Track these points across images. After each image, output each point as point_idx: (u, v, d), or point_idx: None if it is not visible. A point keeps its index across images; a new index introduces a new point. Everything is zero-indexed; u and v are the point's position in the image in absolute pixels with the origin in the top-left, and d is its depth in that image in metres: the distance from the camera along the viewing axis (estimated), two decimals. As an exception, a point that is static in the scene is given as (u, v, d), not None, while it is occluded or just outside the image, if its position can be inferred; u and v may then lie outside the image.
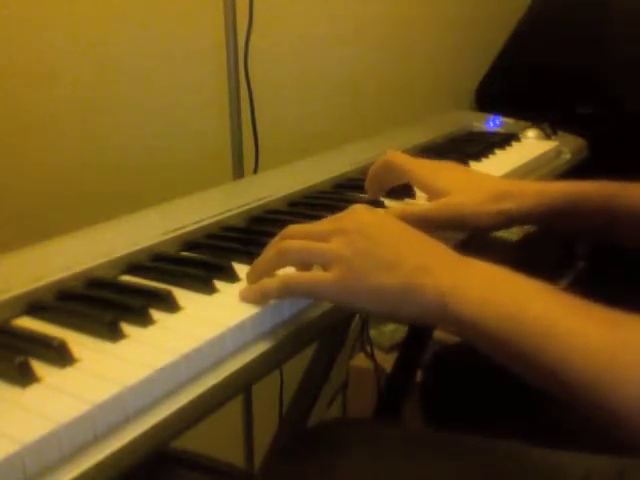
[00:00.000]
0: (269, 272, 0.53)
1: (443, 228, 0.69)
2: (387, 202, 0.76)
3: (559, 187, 0.71)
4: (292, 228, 0.55)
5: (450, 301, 0.47)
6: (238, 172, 1.23)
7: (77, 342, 0.45)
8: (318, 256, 0.51)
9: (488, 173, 0.81)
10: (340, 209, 0.56)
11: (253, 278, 0.54)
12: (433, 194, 0.70)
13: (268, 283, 0.52)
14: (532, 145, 1.08)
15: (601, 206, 0.70)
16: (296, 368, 1.06)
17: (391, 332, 1.71)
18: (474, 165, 0.92)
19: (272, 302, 0.52)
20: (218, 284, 0.55)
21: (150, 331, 0.48)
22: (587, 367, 0.41)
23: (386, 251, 0.50)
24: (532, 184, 0.74)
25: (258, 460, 1.36)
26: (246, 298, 0.52)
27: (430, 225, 0.67)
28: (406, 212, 0.67)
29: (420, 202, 0.77)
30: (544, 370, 0.44)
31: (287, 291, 0.51)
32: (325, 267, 0.51)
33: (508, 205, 0.68)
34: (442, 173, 0.71)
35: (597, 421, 0.42)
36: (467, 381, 0.88)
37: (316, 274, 0.51)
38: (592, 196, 0.70)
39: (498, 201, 0.68)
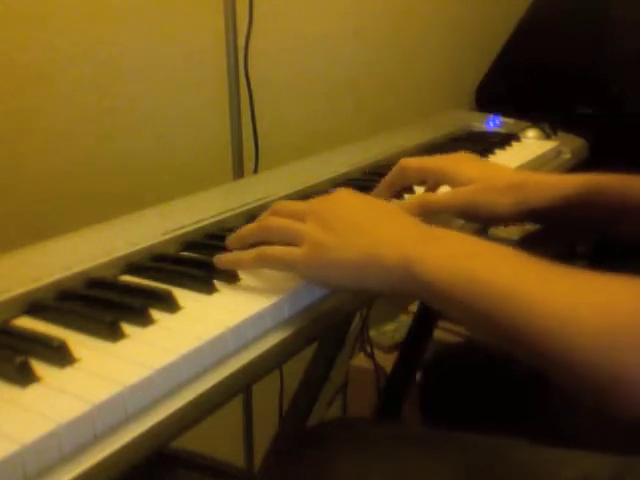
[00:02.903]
0: (248, 242, 0.58)
1: (459, 217, 0.70)
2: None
3: (578, 179, 0.70)
4: (279, 204, 0.59)
5: (413, 268, 0.49)
6: (238, 172, 1.23)
7: (77, 342, 0.45)
8: (292, 234, 0.55)
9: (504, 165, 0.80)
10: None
11: (233, 244, 0.59)
12: (457, 186, 0.70)
13: (244, 254, 0.56)
14: (532, 145, 1.08)
15: (615, 198, 0.70)
16: (296, 368, 1.06)
17: (391, 332, 1.71)
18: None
19: (272, 302, 0.52)
20: (218, 284, 0.55)
21: (150, 331, 0.48)
22: (545, 325, 0.43)
23: (353, 228, 0.53)
24: (551, 176, 0.73)
25: (258, 460, 1.36)
26: (221, 262, 0.56)
27: (446, 213, 0.69)
28: (424, 202, 0.68)
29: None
30: (505, 331, 0.45)
31: (260, 262, 0.55)
32: (298, 244, 0.54)
33: (527, 196, 0.68)
34: (462, 165, 0.71)
35: (557, 379, 0.44)
36: (467, 381, 0.88)
37: (288, 249, 0.54)
38: (607, 188, 0.70)
39: (516, 191, 0.68)
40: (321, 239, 0.52)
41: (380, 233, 0.52)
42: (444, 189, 0.73)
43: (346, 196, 0.57)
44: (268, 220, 0.57)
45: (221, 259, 0.56)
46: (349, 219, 0.53)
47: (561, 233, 0.80)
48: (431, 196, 0.72)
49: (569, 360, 0.42)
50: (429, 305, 0.51)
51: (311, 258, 0.52)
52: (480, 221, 0.73)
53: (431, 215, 0.68)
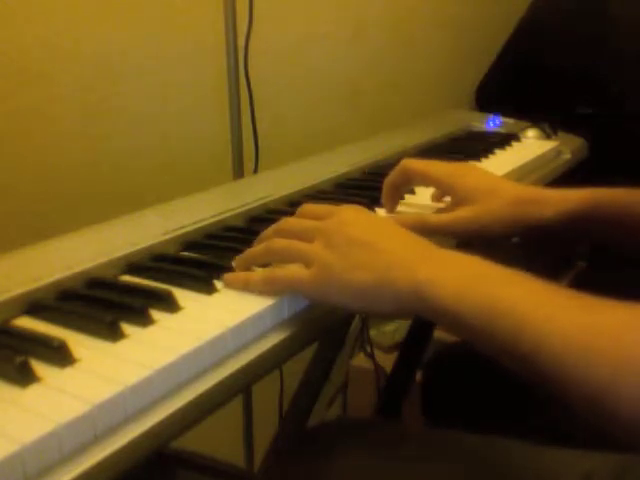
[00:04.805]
0: (256, 264, 0.57)
1: (458, 239, 0.70)
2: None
3: (579, 194, 0.70)
4: (284, 223, 0.58)
5: (425, 292, 0.48)
6: (238, 172, 1.23)
7: (77, 342, 0.45)
8: (299, 257, 0.54)
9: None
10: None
11: (240, 267, 0.57)
12: (454, 198, 0.70)
13: (253, 276, 0.55)
14: (532, 145, 1.08)
15: (617, 212, 0.70)
16: (296, 368, 1.06)
17: (391, 332, 1.71)
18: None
19: (271, 302, 0.52)
20: (218, 284, 0.55)
21: (150, 331, 0.48)
22: (563, 353, 0.42)
23: (362, 250, 0.52)
24: (554, 191, 0.73)
25: (258, 460, 1.36)
26: (230, 284, 0.55)
27: (445, 235, 0.68)
28: (422, 223, 0.68)
29: (421, 199, 0.77)
30: (520, 356, 0.44)
31: (269, 285, 0.54)
32: (306, 266, 0.53)
33: (528, 212, 0.68)
34: (463, 177, 0.71)
35: (571, 406, 0.43)
36: (467, 381, 0.88)
37: (296, 272, 0.53)
38: (609, 203, 0.70)
39: (516, 208, 0.68)
40: (329, 261, 0.51)
41: (389, 255, 0.51)
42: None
43: (354, 215, 0.56)
44: (274, 242, 0.56)
45: (230, 279, 0.55)
46: (357, 240, 0.52)
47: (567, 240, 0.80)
48: (430, 217, 0.71)
49: (587, 390, 0.41)
50: (440, 326, 0.51)
51: (319, 280, 0.52)
52: (480, 242, 0.73)
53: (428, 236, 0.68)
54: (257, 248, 0.57)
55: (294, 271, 0.54)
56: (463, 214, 0.68)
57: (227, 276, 0.56)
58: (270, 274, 0.54)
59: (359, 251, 0.51)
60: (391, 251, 0.51)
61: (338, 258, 0.51)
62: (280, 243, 0.56)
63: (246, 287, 0.54)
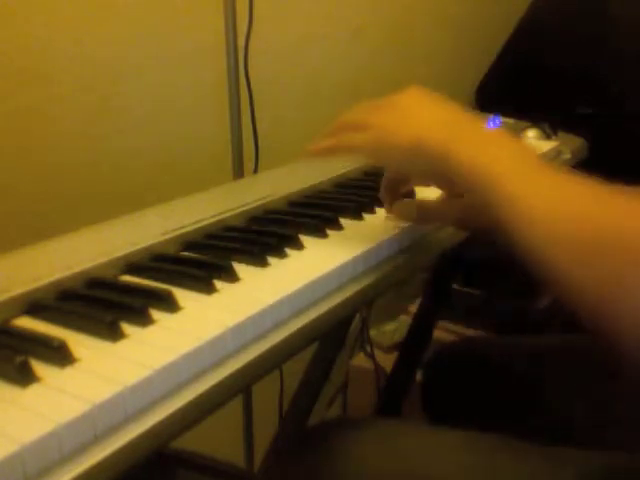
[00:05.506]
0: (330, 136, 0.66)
1: (455, 225, 0.70)
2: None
3: None
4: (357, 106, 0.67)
5: (449, 157, 0.55)
6: (238, 172, 1.24)
7: (77, 342, 0.45)
8: (360, 123, 0.63)
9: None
10: (341, 208, 0.56)
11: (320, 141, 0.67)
12: (453, 193, 0.70)
13: (323, 142, 0.65)
14: (532, 145, 1.08)
15: None
16: (296, 368, 1.06)
17: (391, 332, 1.71)
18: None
19: (272, 302, 0.52)
20: (218, 284, 0.55)
21: (150, 331, 0.48)
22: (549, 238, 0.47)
23: (408, 119, 0.61)
24: None
25: (258, 460, 1.36)
26: (309, 150, 0.66)
27: (441, 221, 0.70)
28: (420, 208, 0.69)
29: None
30: (515, 239, 0.49)
31: (335, 145, 0.64)
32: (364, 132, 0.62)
33: None
34: None
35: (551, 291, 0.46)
36: (467, 381, 0.88)
37: (356, 136, 0.63)
38: None
39: None
40: (381, 127, 0.61)
41: (429, 120, 0.60)
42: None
43: (409, 93, 0.68)
44: (341, 117, 0.65)
45: (308, 150, 0.66)
46: (406, 111, 0.63)
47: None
48: (427, 203, 0.71)
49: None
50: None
51: (372, 143, 0.61)
52: (476, 229, 0.73)
53: (427, 221, 0.69)
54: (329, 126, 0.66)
55: (355, 136, 0.62)
56: (460, 199, 0.68)
57: (306, 150, 0.65)
58: (335, 139, 0.64)
59: (405, 120, 0.61)
60: (430, 116, 0.61)
61: (386, 126, 0.61)
62: (345, 116, 0.65)
63: (317, 152, 0.65)
